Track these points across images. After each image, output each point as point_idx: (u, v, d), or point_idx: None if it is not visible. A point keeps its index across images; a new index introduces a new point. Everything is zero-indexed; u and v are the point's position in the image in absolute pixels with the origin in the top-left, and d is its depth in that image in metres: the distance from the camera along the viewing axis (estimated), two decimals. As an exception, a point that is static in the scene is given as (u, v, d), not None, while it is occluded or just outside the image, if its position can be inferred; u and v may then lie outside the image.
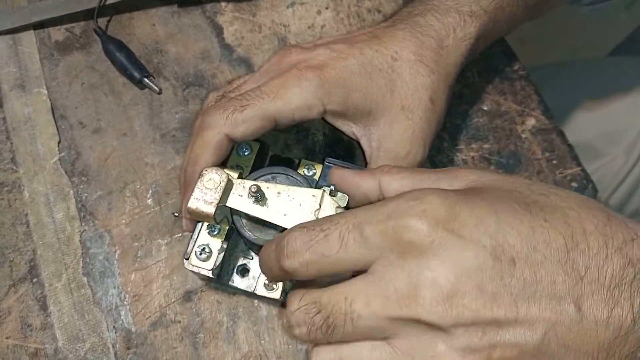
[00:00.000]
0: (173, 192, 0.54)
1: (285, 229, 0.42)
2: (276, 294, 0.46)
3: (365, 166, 0.48)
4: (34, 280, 0.51)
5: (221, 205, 0.42)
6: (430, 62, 0.46)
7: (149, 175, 0.55)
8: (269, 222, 0.43)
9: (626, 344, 0.29)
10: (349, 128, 0.48)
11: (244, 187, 0.43)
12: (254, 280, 0.46)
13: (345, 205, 0.42)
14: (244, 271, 0.47)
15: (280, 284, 0.46)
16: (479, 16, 0.48)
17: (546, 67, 0.91)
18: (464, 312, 0.29)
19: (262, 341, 0.48)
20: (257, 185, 0.42)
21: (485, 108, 0.56)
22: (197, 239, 0.46)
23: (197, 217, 0.44)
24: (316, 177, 0.49)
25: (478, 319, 0.29)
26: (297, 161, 0.50)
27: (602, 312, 0.28)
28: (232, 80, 0.50)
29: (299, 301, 0.33)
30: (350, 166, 0.47)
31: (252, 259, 0.47)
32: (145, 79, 0.57)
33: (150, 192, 0.54)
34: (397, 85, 0.45)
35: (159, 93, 0.58)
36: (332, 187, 0.43)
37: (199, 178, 0.43)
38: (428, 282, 0.29)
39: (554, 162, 0.54)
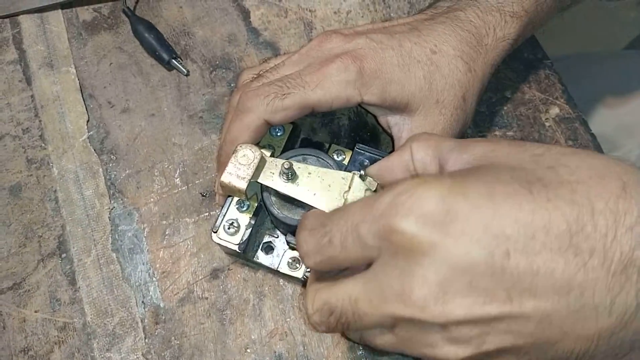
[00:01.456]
0: (200, 172, 0.54)
1: (313, 208, 0.43)
2: (299, 272, 0.47)
3: None
4: (63, 255, 0.52)
5: (253, 181, 0.43)
6: (469, 59, 0.46)
7: (177, 156, 0.55)
8: (298, 200, 0.44)
9: (630, 329, 0.27)
10: (383, 117, 0.48)
11: (276, 165, 0.44)
12: (278, 258, 0.47)
13: (375, 189, 0.43)
14: (268, 248, 0.48)
15: (304, 265, 0.47)
16: (519, 17, 0.48)
17: (562, 58, 0.92)
18: (455, 309, 0.28)
19: (288, 319, 0.49)
20: (289, 163, 0.42)
21: (509, 95, 0.57)
22: (226, 213, 0.47)
23: (229, 192, 0.45)
24: (345, 162, 0.50)
25: (470, 316, 0.28)
26: (327, 146, 0.50)
27: (605, 298, 0.27)
28: (267, 59, 0.51)
29: (313, 304, 0.35)
30: (380, 153, 0.48)
31: (278, 237, 0.48)
32: (174, 61, 0.58)
33: (178, 171, 0.55)
34: (435, 78, 0.45)
35: (187, 75, 0.58)
36: (362, 172, 0.44)
37: (233, 153, 0.44)
38: (419, 281, 0.29)
39: (577, 150, 0.55)
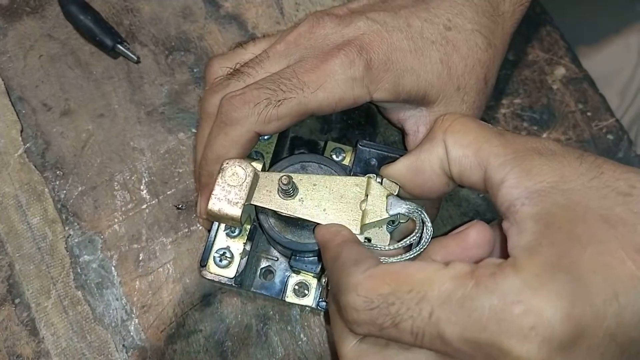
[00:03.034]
0: (171, 181, 0.46)
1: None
2: (309, 300, 0.40)
3: (405, 150, 0.41)
4: (16, 300, 0.42)
5: (247, 205, 0.36)
6: (488, 32, 0.39)
7: (140, 163, 0.46)
8: (306, 221, 0.36)
9: None
10: (395, 114, 0.41)
11: (272, 180, 0.36)
12: (281, 284, 0.40)
13: (397, 192, 0.36)
14: (267, 274, 0.41)
15: (313, 289, 0.40)
16: None
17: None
18: None
19: (299, 342, 0.42)
20: (288, 177, 0.35)
21: (511, 58, 0.51)
22: (214, 242, 0.39)
23: (219, 220, 0.37)
24: (346, 161, 0.42)
25: None
26: (322, 144, 0.43)
27: None
28: (242, 44, 0.42)
29: None
30: (388, 150, 0.40)
31: (277, 259, 0.41)
32: (119, 46, 0.47)
33: (143, 182, 0.46)
34: (454, 60, 0.38)
35: (137, 62, 0.48)
36: (375, 175, 0.37)
37: (219, 173, 0.35)
38: None
39: (589, 114, 0.50)
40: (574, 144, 0.49)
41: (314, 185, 0.36)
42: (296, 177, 0.36)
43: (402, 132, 0.42)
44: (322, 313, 0.42)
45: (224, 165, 0.36)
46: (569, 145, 0.49)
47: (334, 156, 0.43)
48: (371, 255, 0.32)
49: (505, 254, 0.28)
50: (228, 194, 0.35)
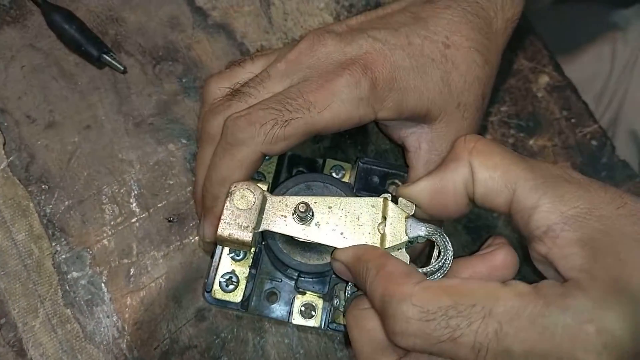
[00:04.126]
0: (161, 193, 0.45)
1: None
2: (315, 321, 0.39)
3: (406, 167, 0.41)
4: (2, 321, 0.41)
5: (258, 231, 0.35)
6: (483, 49, 0.39)
7: (128, 175, 0.45)
8: (322, 245, 0.36)
9: None
10: (395, 131, 0.41)
11: (286, 205, 0.36)
12: (286, 306, 0.39)
13: (413, 213, 0.36)
14: (271, 295, 0.40)
15: (320, 310, 0.39)
16: None
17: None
18: None
19: (297, 355, 0.42)
20: (305, 204, 0.34)
21: (497, 67, 0.52)
22: (218, 266, 0.38)
23: (229, 245, 0.36)
24: (346, 178, 0.42)
25: None
26: (320, 162, 0.42)
27: None
28: (240, 62, 0.41)
29: None
30: (391, 167, 0.40)
31: (281, 281, 0.40)
32: (105, 56, 0.46)
33: (132, 195, 0.44)
34: (453, 77, 0.38)
35: (124, 72, 0.47)
36: (389, 194, 0.37)
37: (227, 197, 0.35)
38: None
39: (573, 120, 0.51)
40: (560, 150, 0.50)
41: (329, 208, 0.36)
42: (311, 201, 0.36)
43: (403, 149, 0.42)
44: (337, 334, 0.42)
45: (232, 189, 0.35)
46: (555, 151, 0.50)
47: (333, 173, 0.42)
48: (419, 271, 0.32)
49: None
50: (237, 218, 0.35)
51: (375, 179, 0.40)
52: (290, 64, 0.38)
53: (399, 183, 0.40)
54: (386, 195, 0.37)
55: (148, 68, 0.48)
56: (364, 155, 0.45)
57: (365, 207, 0.36)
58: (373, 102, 0.36)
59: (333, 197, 0.36)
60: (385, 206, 0.36)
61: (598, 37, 0.82)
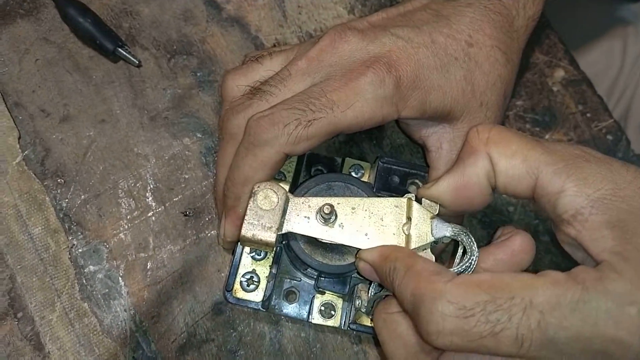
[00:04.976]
0: (177, 187, 0.45)
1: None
2: (335, 320, 0.39)
3: (427, 167, 0.41)
4: (19, 314, 0.41)
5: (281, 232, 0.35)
6: (505, 47, 0.39)
7: (144, 169, 0.45)
8: (346, 246, 0.36)
9: None
10: (417, 130, 0.41)
11: (309, 206, 0.36)
12: (306, 305, 0.39)
13: (437, 212, 0.36)
14: (289, 294, 0.40)
15: (339, 310, 0.39)
16: None
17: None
18: None
19: (314, 349, 0.42)
20: (330, 205, 0.34)
21: (512, 61, 0.52)
22: (238, 265, 0.38)
23: (252, 246, 0.36)
24: (365, 178, 0.42)
25: None
26: (339, 160, 0.42)
27: None
28: (258, 58, 0.40)
29: None
30: (411, 166, 0.40)
31: (300, 280, 0.40)
32: (120, 50, 0.46)
33: (148, 189, 0.44)
34: (476, 76, 0.38)
35: (139, 66, 0.47)
36: (412, 194, 0.37)
37: (251, 197, 0.35)
38: None
39: (588, 115, 0.51)
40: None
41: (353, 209, 0.36)
42: (334, 202, 0.36)
43: (424, 149, 0.42)
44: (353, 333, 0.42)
45: (256, 189, 0.35)
46: (571, 146, 0.50)
47: (352, 173, 0.42)
48: (448, 269, 0.32)
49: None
50: (261, 219, 0.34)
51: (396, 178, 0.40)
52: (312, 61, 0.37)
53: (420, 183, 0.40)
54: (410, 195, 0.36)
55: (162, 62, 0.48)
56: (384, 155, 0.45)
57: (389, 208, 0.36)
58: (397, 101, 0.36)
59: (356, 198, 0.36)
60: (409, 206, 0.36)
61: (608, 32, 0.81)
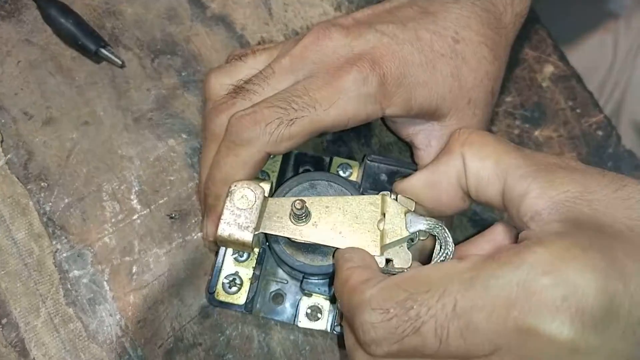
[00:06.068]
0: (162, 189, 0.44)
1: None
2: (321, 323, 0.39)
3: (415, 165, 0.41)
4: (3, 321, 0.40)
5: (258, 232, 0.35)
6: (493, 44, 0.38)
7: (128, 171, 0.44)
8: (321, 245, 0.36)
9: None
10: (404, 128, 0.40)
11: (282, 206, 0.35)
12: (292, 308, 0.39)
13: (413, 209, 0.35)
14: (277, 297, 0.39)
15: (326, 312, 0.38)
16: None
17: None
18: None
19: (303, 351, 0.41)
20: (301, 201, 0.34)
21: (501, 57, 0.51)
22: (221, 267, 0.37)
23: (229, 246, 0.36)
24: (353, 177, 0.41)
25: None
26: (327, 160, 0.42)
27: None
28: (241, 57, 0.40)
29: None
30: (399, 163, 0.39)
31: (287, 282, 0.39)
32: (102, 50, 0.45)
33: (133, 191, 0.44)
34: (463, 73, 0.37)
35: (122, 66, 0.46)
36: (388, 192, 0.36)
37: (227, 196, 0.34)
38: None
39: (578, 110, 0.51)
40: (566, 141, 0.49)
41: (327, 207, 0.35)
42: (308, 201, 0.35)
43: (412, 147, 0.41)
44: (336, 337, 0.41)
45: (232, 188, 0.34)
46: (561, 142, 0.49)
47: (340, 172, 0.41)
48: (382, 274, 0.31)
49: None
50: (238, 218, 0.34)
51: (383, 177, 0.39)
52: (295, 59, 0.37)
53: None
54: (385, 192, 0.36)
55: (146, 62, 0.47)
56: (371, 152, 0.44)
57: (364, 206, 0.35)
58: (381, 98, 0.35)
59: (330, 197, 0.36)
60: (384, 203, 0.35)
61: (599, 26, 0.81)
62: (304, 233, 0.35)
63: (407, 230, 0.35)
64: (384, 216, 0.35)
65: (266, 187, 0.36)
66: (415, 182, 0.34)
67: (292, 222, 0.35)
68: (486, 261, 0.26)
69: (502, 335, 0.24)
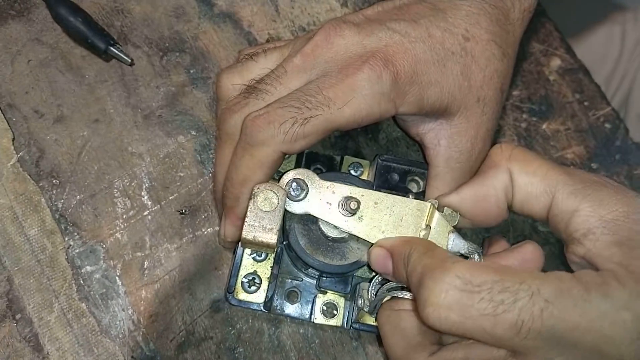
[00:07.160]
0: (172, 185, 0.44)
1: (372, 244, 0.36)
2: (337, 320, 0.39)
3: (426, 164, 0.41)
4: (17, 316, 0.41)
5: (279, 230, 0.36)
6: (501, 41, 0.38)
7: (139, 168, 0.45)
8: (361, 239, 0.36)
9: None
10: (414, 127, 0.40)
11: (333, 192, 0.36)
12: (308, 305, 0.39)
13: (456, 224, 0.36)
14: (291, 295, 0.40)
15: (342, 309, 0.39)
16: None
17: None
18: None
19: (313, 344, 0.42)
20: (357, 202, 0.35)
21: (507, 50, 0.51)
22: (239, 266, 0.38)
23: (253, 248, 0.36)
24: (364, 176, 0.42)
25: None
26: (338, 159, 0.42)
27: None
28: (252, 56, 0.40)
29: None
30: (411, 164, 0.40)
31: (302, 280, 0.40)
32: (112, 48, 0.46)
33: (144, 188, 0.44)
34: (473, 71, 0.37)
35: (131, 64, 0.47)
36: (435, 201, 0.37)
37: (250, 199, 0.35)
38: None
39: (585, 103, 0.50)
40: (573, 134, 0.49)
41: (375, 203, 0.36)
42: (359, 193, 0.36)
43: (421, 146, 0.41)
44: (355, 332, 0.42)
45: (255, 191, 0.35)
46: (569, 135, 0.49)
47: (352, 171, 0.42)
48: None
49: None
50: (262, 221, 0.34)
51: (395, 176, 0.39)
52: (307, 57, 0.37)
53: (419, 180, 0.40)
54: (433, 201, 0.36)
55: (155, 59, 0.47)
56: (379, 147, 0.44)
57: (411, 209, 0.36)
58: (395, 97, 0.35)
59: (380, 193, 0.36)
60: (431, 214, 0.36)
61: (607, 18, 0.81)
62: (349, 224, 0.35)
63: (448, 250, 0.35)
64: (429, 227, 0.35)
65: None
66: (463, 196, 0.35)
67: (339, 211, 0.35)
68: (573, 280, 0.29)
69: (576, 350, 0.27)
